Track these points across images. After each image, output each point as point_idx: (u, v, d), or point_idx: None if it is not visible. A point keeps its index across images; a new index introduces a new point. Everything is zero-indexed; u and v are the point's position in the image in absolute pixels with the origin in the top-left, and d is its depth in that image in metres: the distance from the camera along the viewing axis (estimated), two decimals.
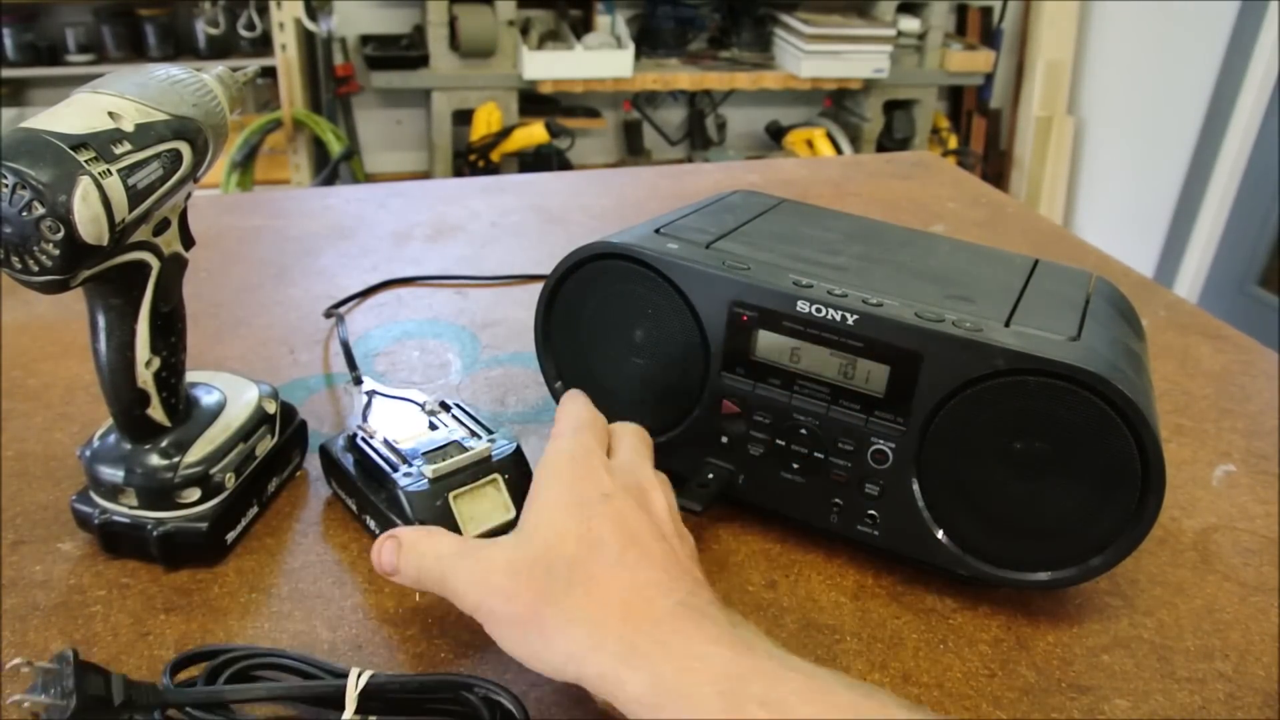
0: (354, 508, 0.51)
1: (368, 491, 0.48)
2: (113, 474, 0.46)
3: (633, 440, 0.45)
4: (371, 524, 0.49)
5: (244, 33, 2.73)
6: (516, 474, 0.49)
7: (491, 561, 0.38)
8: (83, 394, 0.61)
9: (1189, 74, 2.65)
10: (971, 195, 1.06)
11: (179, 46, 2.74)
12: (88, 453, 0.47)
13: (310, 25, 2.64)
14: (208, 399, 0.50)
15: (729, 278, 0.48)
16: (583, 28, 3.03)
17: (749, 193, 0.64)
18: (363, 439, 0.50)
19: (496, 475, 0.48)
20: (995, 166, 3.38)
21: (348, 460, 0.50)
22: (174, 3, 2.71)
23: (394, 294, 0.77)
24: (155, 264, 0.43)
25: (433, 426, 0.51)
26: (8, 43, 2.58)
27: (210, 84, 0.44)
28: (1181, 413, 0.66)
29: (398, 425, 0.51)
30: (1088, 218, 3.11)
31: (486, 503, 0.47)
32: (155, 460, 0.46)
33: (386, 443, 0.49)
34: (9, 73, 2.59)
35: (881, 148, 3.24)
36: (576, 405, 0.46)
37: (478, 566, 0.38)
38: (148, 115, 0.40)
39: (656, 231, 0.53)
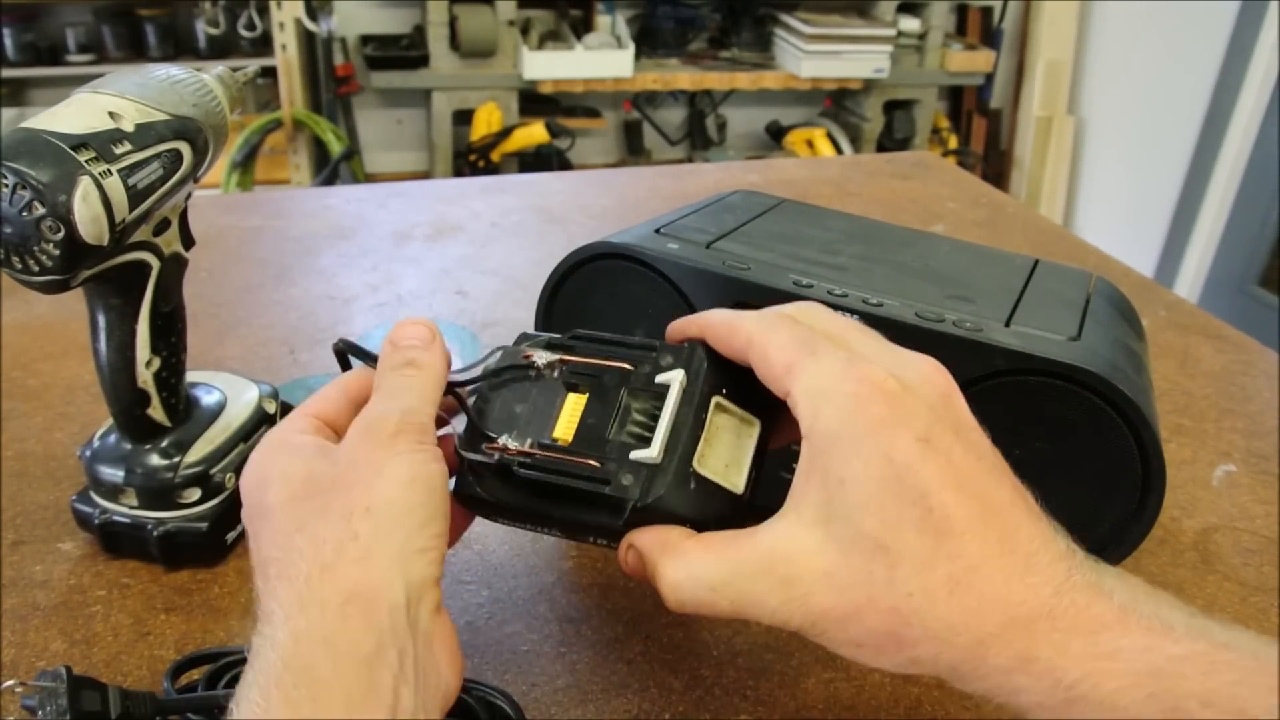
0: (556, 534, 0.38)
1: (570, 514, 0.34)
2: (113, 474, 0.46)
3: (846, 322, 0.34)
4: (598, 542, 0.37)
5: (244, 33, 2.73)
6: (718, 375, 0.34)
7: (801, 580, 0.29)
8: (83, 394, 0.61)
9: (1189, 74, 2.65)
10: (971, 195, 1.06)
11: (179, 46, 2.74)
12: (88, 453, 0.47)
13: (310, 25, 2.64)
14: (208, 399, 0.50)
15: (729, 277, 0.48)
16: (583, 28, 3.03)
17: (749, 193, 0.64)
18: (520, 464, 0.34)
19: (715, 398, 0.34)
20: (995, 166, 3.38)
21: (510, 497, 0.35)
22: (174, 3, 2.71)
23: (394, 293, 0.77)
24: (155, 264, 0.43)
25: (574, 388, 0.36)
26: (8, 43, 2.58)
27: (210, 84, 0.44)
28: (1181, 413, 0.66)
29: (532, 417, 0.35)
30: (1088, 218, 3.11)
31: (729, 436, 0.34)
32: (155, 460, 0.46)
33: (546, 447, 0.34)
34: (9, 73, 2.59)
35: (881, 148, 3.24)
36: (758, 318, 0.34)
37: (785, 590, 0.29)
38: (148, 115, 0.40)
39: (656, 231, 0.53)
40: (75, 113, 0.38)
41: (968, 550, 0.27)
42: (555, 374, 0.36)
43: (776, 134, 3.29)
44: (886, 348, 0.33)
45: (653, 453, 0.32)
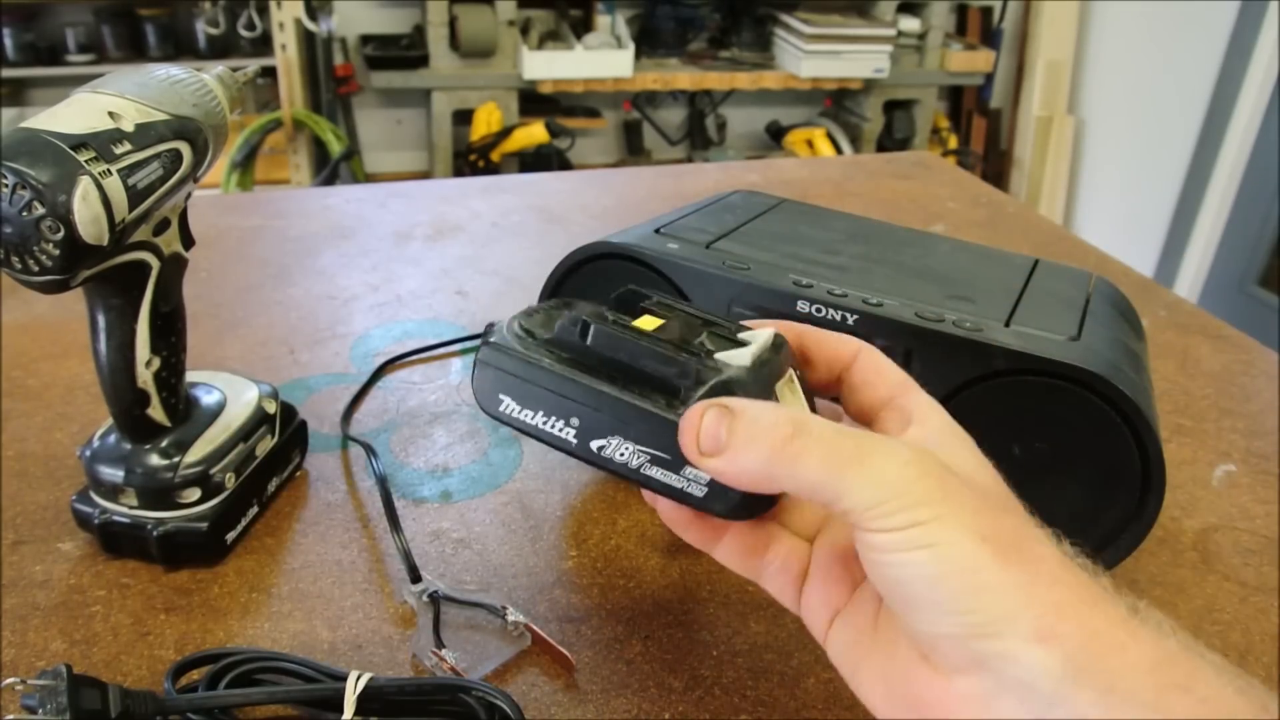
0: (569, 435, 0.32)
1: (632, 398, 0.31)
2: (113, 474, 0.46)
3: None
4: (624, 452, 0.32)
5: (244, 33, 2.73)
6: (793, 360, 0.34)
7: (926, 461, 0.28)
8: (83, 394, 0.61)
9: (1189, 74, 2.65)
10: (971, 195, 1.06)
11: (179, 46, 2.74)
12: (88, 453, 0.47)
13: (310, 25, 2.64)
14: (208, 399, 0.50)
15: (729, 278, 0.48)
16: (583, 28, 3.03)
17: (749, 193, 0.64)
18: (615, 321, 0.33)
19: (792, 372, 0.33)
20: (995, 166, 3.38)
21: (552, 361, 0.32)
22: (174, 3, 2.71)
23: (394, 293, 0.77)
24: (155, 264, 0.43)
25: (649, 311, 0.35)
26: (8, 43, 2.58)
27: (210, 84, 0.44)
28: (1181, 413, 0.66)
29: (612, 315, 0.34)
30: (1088, 218, 3.11)
31: (794, 404, 0.34)
32: (155, 460, 0.46)
33: (638, 331, 0.33)
34: (9, 73, 2.59)
35: (881, 148, 3.24)
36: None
37: (905, 456, 0.27)
38: (148, 115, 0.40)
39: (656, 231, 0.53)
40: (75, 113, 0.38)
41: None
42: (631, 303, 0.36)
43: (776, 134, 3.29)
44: None
45: (744, 357, 0.31)
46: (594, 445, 0.32)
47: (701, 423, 0.29)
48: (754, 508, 0.31)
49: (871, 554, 0.28)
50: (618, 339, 0.32)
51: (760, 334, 0.33)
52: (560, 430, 0.33)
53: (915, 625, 0.27)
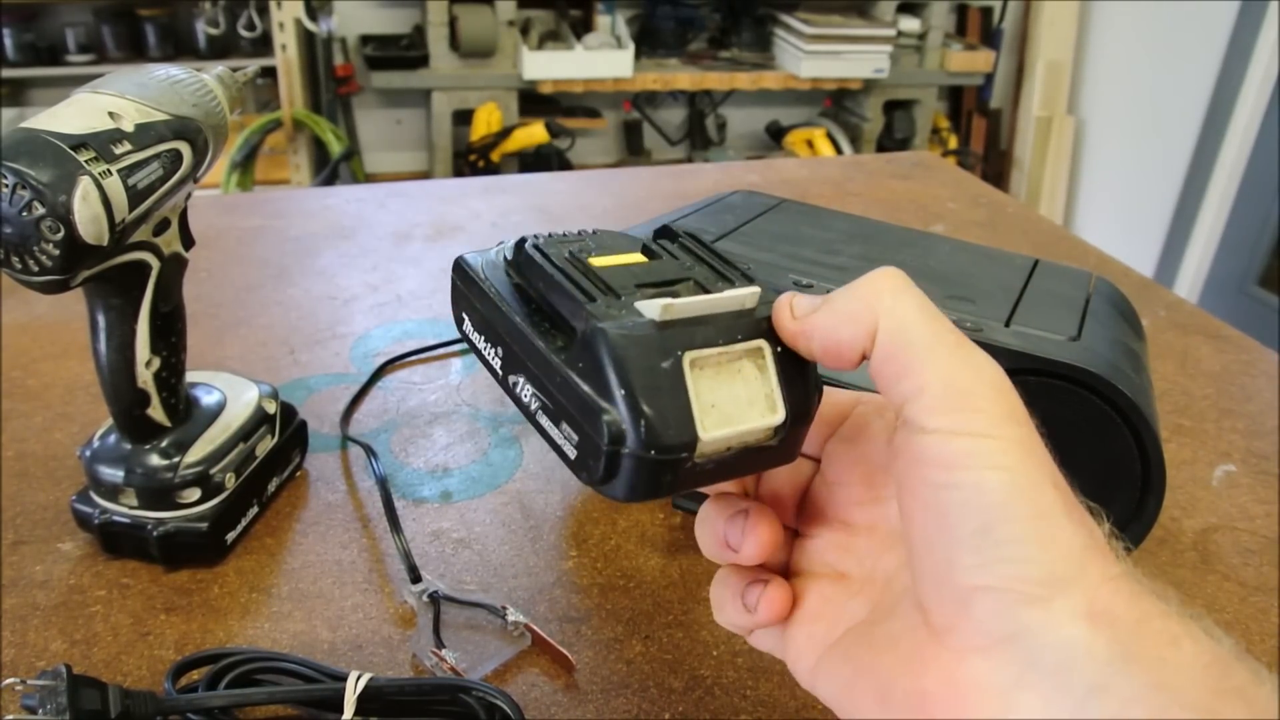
0: (497, 364, 0.31)
1: (533, 335, 0.28)
2: (113, 474, 0.46)
3: None
4: (526, 393, 0.29)
5: (244, 33, 2.72)
6: (793, 353, 0.28)
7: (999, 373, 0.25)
8: (83, 394, 0.61)
9: (1189, 74, 2.65)
10: (971, 195, 1.06)
11: (179, 46, 2.74)
12: (88, 453, 0.47)
13: (310, 25, 2.63)
14: (208, 399, 0.50)
15: None
16: (583, 28, 3.03)
17: (749, 193, 0.64)
18: (536, 247, 0.30)
19: (761, 343, 0.28)
20: (995, 166, 3.38)
21: (502, 284, 0.30)
22: (174, 3, 2.71)
23: (394, 293, 0.77)
24: (155, 264, 0.43)
25: (650, 254, 0.32)
26: (8, 43, 2.58)
27: (210, 84, 0.44)
28: (1181, 413, 0.66)
29: (596, 244, 0.32)
30: (1088, 218, 3.11)
31: (740, 387, 0.28)
32: (155, 460, 0.46)
33: (577, 261, 0.29)
34: (9, 73, 2.59)
35: (881, 148, 3.24)
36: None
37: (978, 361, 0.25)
38: (148, 115, 0.40)
39: None
40: (75, 113, 0.38)
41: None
42: (641, 241, 0.32)
43: (776, 134, 3.29)
44: None
45: (654, 309, 0.26)
46: (510, 380, 0.30)
47: (795, 307, 0.27)
48: (637, 486, 0.26)
49: (926, 469, 0.23)
50: (539, 268, 0.29)
51: (735, 292, 0.28)
52: (492, 359, 0.31)
53: (953, 571, 0.23)
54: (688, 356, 0.26)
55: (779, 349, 0.28)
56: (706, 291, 0.29)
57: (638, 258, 0.31)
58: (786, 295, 0.28)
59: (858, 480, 0.30)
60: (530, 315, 0.29)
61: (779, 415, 0.27)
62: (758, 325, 0.28)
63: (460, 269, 0.32)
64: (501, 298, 0.30)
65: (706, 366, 0.27)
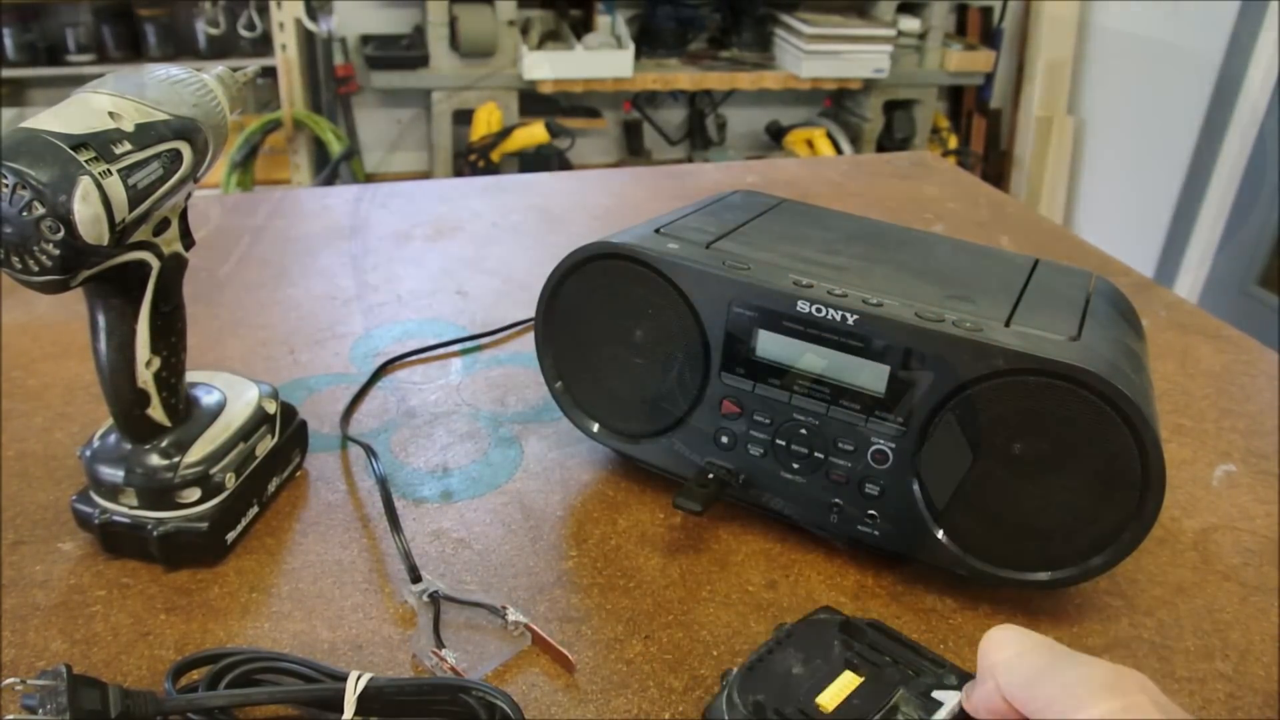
0: None
1: None
2: (113, 474, 0.46)
3: None
4: None
5: (244, 33, 2.72)
6: None
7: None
8: (83, 394, 0.61)
9: (1189, 74, 2.65)
10: (971, 195, 1.06)
11: (179, 46, 2.74)
12: (88, 453, 0.47)
13: (310, 25, 2.63)
14: (208, 399, 0.50)
15: (729, 278, 0.48)
16: (583, 28, 3.03)
17: (749, 193, 0.64)
18: (776, 713, 0.35)
19: None
20: (995, 166, 3.38)
21: None
22: (174, 3, 2.71)
23: (394, 293, 0.77)
24: (155, 264, 0.43)
25: (854, 668, 0.37)
26: (8, 43, 2.58)
27: (210, 84, 0.44)
28: (1181, 413, 0.66)
29: (805, 680, 0.36)
30: (1088, 218, 3.11)
31: None
32: (155, 460, 0.46)
33: (806, 713, 0.35)
34: (9, 73, 2.59)
35: (881, 148, 3.24)
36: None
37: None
38: (148, 115, 0.40)
39: (656, 231, 0.53)
40: (75, 113, 0.38)
41: None
42: (839, 649, 0.38)
43: (776, 134, 3.29)
44: None
45: None
46: None
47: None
48: None
49: None
50: None
51: (948, 703, 0.34)
52: None
53: None
54: None
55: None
56: (917, 696, 0.35)
57: (850, 679, 0.36)
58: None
59: None
60: None
61: None
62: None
63: None
64: None
65: None
